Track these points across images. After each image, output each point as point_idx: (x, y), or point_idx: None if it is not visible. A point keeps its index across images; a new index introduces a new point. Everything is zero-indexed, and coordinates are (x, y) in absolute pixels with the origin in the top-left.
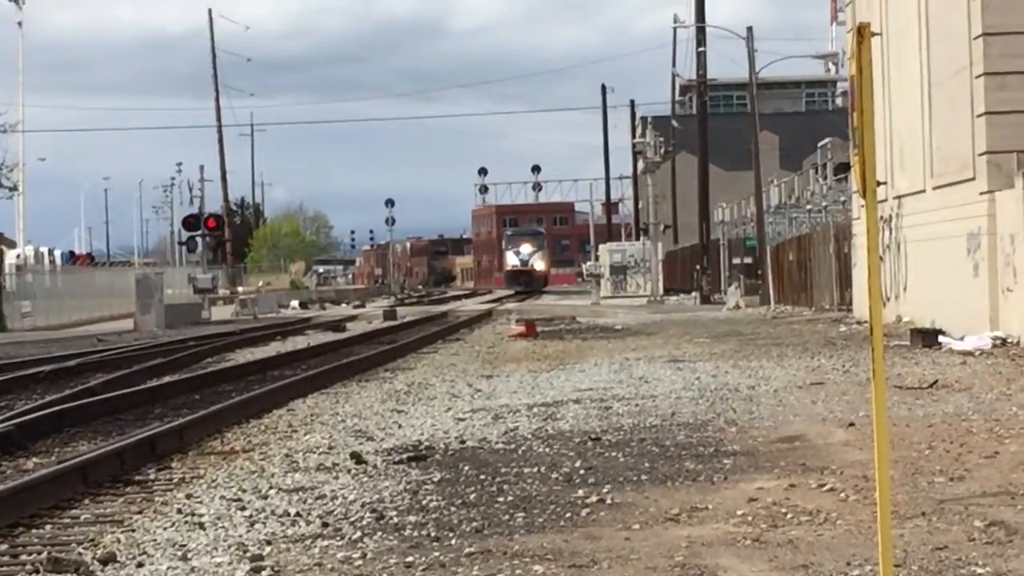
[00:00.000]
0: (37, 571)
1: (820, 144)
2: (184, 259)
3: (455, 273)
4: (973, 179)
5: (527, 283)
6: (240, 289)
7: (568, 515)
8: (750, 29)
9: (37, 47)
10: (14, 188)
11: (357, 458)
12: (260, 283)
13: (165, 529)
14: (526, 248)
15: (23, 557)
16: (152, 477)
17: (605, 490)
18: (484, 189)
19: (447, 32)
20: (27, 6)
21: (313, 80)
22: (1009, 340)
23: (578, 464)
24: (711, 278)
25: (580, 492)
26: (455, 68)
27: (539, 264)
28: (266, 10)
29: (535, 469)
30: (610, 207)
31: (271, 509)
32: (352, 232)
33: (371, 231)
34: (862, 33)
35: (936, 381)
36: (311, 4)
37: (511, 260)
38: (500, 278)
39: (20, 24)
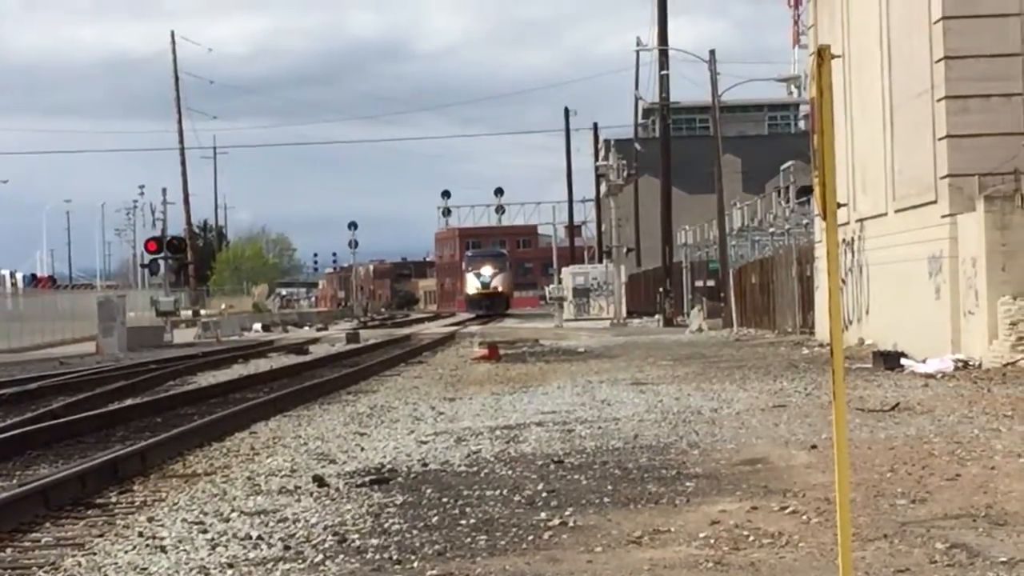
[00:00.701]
0: None
1: (783, 167)
2: (146, 282)
3: (418, 296)
4: (935, 202)
5: (489, 306)
6: (203, 312)
7: (530, 538)
8: (712, 52)
9: None
10: None
11: (319, 481)
12: (223, 306)
13: (126, 552)
14: (487, 270)
15: None
16: (114, 500)
17: (567, 513)
18: (447, 212)
19: (412, 55)
20: None
21: (277, 102)
22: (971, 363)
23: (540, 487)
24: (674, 301)
25: (542, 515)
26: (420, 90)
27: (501, 286)
28: (229, 32)
29: (497, 492)
30: (573, 230)
31: (233, 532)
32: (315, 255)
33: (334, 254)
34: (822, 55)
35: (898, 404)
36: (275, 26)
37: (472, 283)
38: (462, 301)
39: None
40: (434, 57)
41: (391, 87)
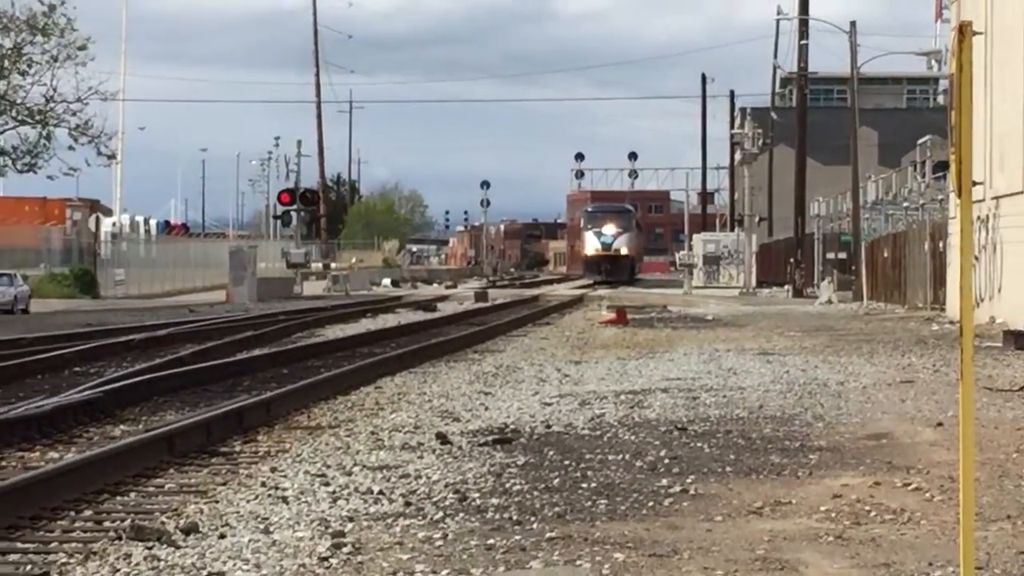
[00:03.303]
0: (120, 538)
1: (919, 142)
2: (278, 233)
3: (548, 257)
4: None
5: (610, 271)
6: (333, 265)
7: (651, 504)
8: (853, 23)
9: (142, 16)
10: (112, 157)
11: (442, 438)
12: (353, 260)
13: (248, 502)
14: (610, 228)
15: (107, 524)
16: (238, 449)
17: (689, 480)
18: (580, 174)
19: (554, 15)
20: None
21: (414, 59)
22: None
23: (663, 453)
24: (804, 272)
25: (664, 481)
26: (559, 52)
27: (625, 248)
28: None
29: (620, 457)
30: (705, 197)
31: (354, 486)
32: (447, 212)
33: (466, 212)
34: (963, 32)
35: None
36: None
37: (591, 242)
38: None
39: None
40: (576, 19)
41: (530, 48)
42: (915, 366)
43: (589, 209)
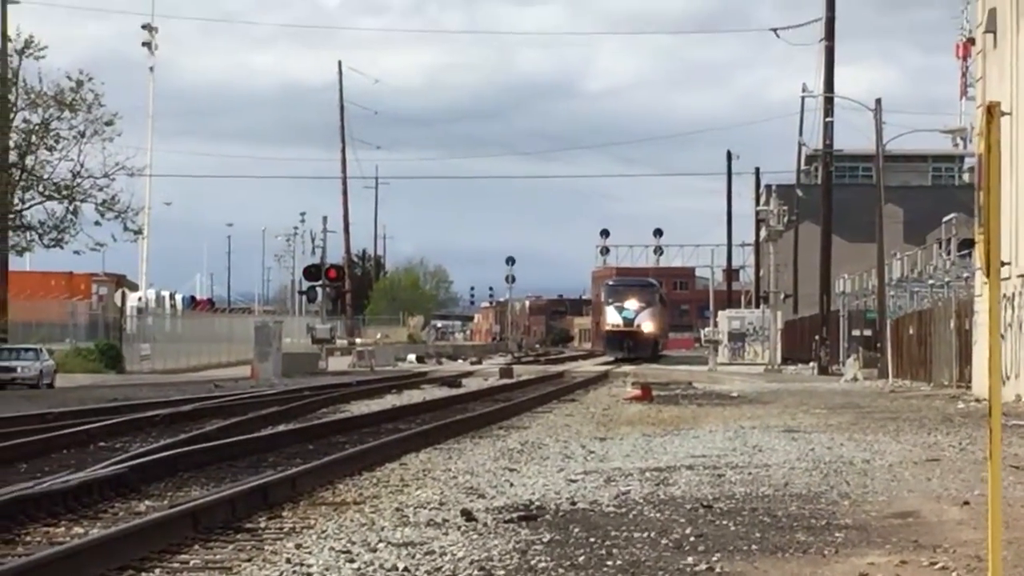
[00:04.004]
0: None
1: (945, 219)
2: (304, 308)
3: (573, 333)
4: None
5: (632, 347)
6: (358, 341)
7: None
8: (878, 101)
9: (169, 92)
10: (138, 232)
11: (467, 515)
12: (378, 335)
13: None
14: (632, 303)
15: None
16: (263, 525)
17: (715, 558)
18: (605, 251)
19: (580, 92)
20: (159, 51)
21: (441, 135)
22: None
23: (688, 531)
24: (830, 349)
25: (689, 559)
26: (584, 128)
27: (648, 324)
28: (399, 65)
29: (645, 534)
30: (731, 274)
31: (379, 563)
32: (472, 288)
33: (491, 288)
34: (991, 112)
35: None
36: (443, 61)
37: (612, 318)
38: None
39: (151, 69)
40: (600, 96)
41: (556, 124)
42: (941, 444)
43: (610, 283)
